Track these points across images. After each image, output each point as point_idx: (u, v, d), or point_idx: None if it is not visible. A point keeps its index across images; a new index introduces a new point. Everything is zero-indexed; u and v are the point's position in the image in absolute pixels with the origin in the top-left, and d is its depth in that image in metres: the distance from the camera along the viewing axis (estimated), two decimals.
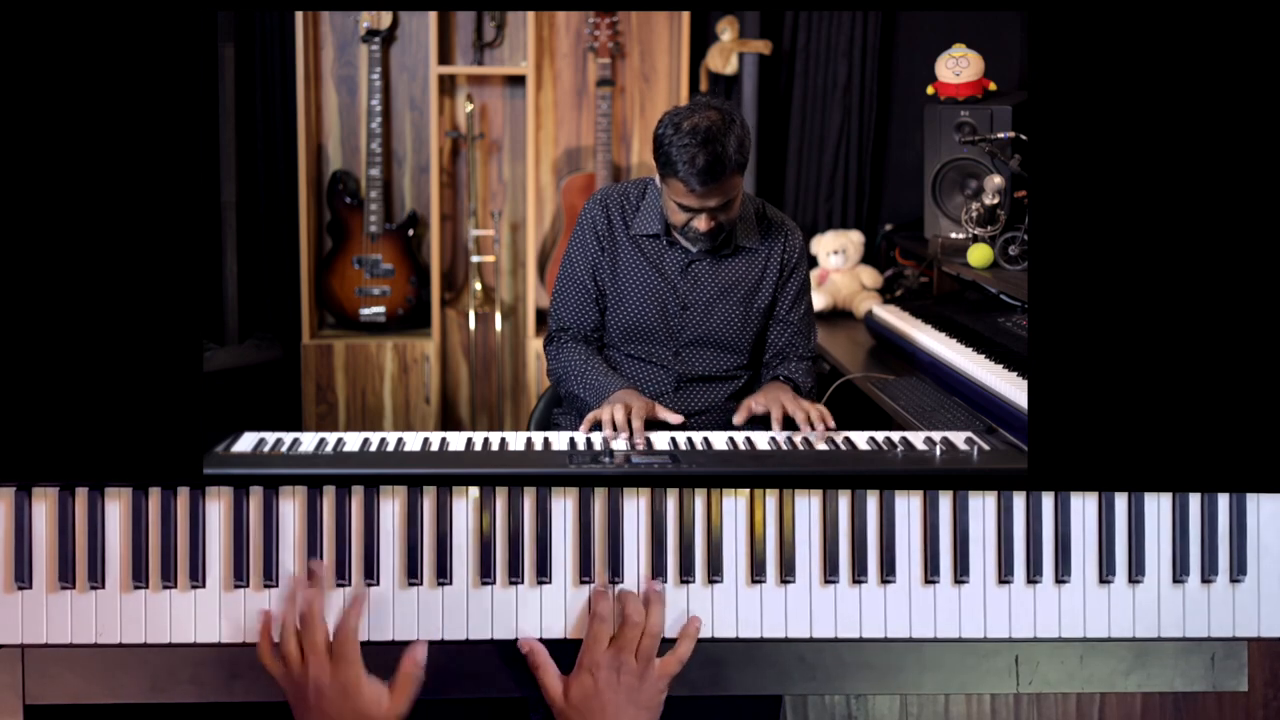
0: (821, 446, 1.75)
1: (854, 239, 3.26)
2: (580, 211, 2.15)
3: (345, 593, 1.45)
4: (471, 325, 3.50)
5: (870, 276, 3.23)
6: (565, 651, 1.45)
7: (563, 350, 2.13)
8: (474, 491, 1.48)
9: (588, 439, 1.78)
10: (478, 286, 3.49)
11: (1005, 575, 1.47)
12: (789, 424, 1.84)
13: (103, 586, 1.45)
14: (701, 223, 1.97)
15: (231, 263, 3.29)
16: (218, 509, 1.46)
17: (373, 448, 1.67)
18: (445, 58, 3.42)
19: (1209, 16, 1.41)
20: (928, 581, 1.48)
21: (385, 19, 3.37)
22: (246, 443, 1.67)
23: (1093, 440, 1.42)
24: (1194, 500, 1.49)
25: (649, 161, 3.49)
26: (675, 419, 1.88)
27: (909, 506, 1.49)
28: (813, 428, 1.81)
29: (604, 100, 3.37)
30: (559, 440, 1.76)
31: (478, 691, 1.48)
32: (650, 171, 3.46)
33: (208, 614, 1.45)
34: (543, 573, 1.47)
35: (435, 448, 1.69)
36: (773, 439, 1.79)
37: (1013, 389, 2.00)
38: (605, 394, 1.95)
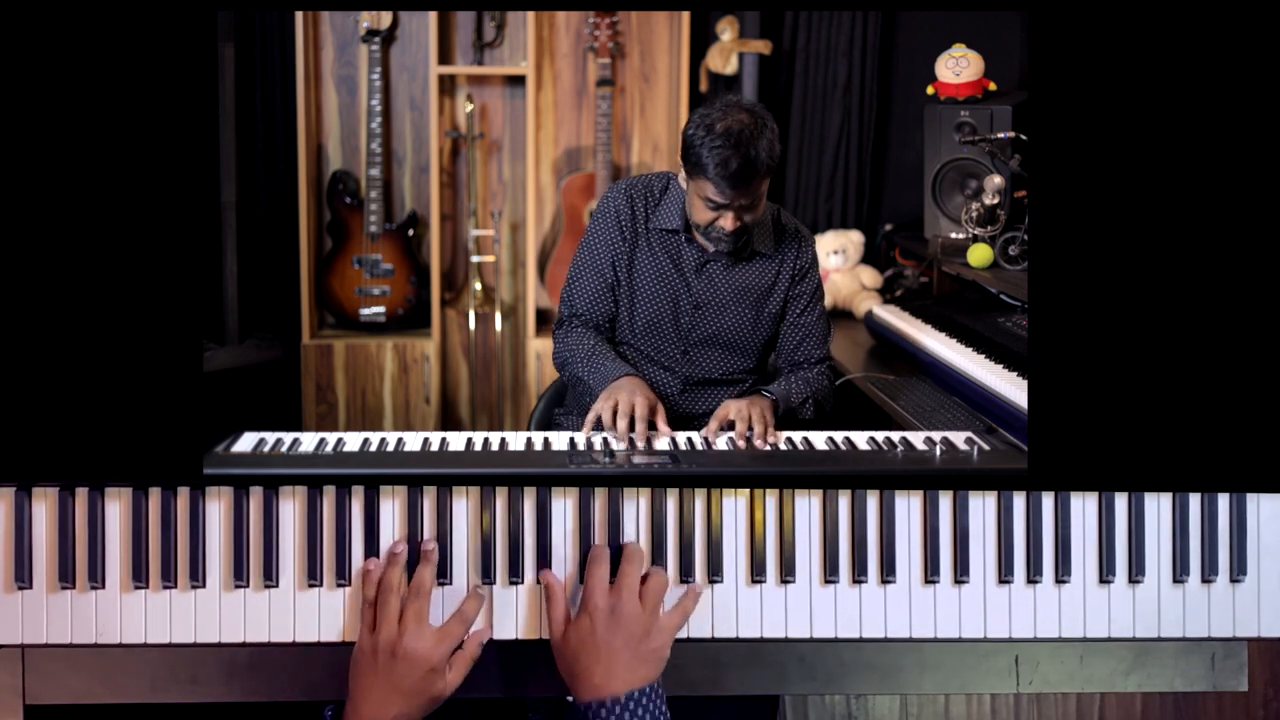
0: (822, 446, 1.75)
1: (854, 239, 3.26)
2: (602, 199, 2.13)
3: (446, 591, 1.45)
4: (471, 325, 3.50)
5: (870, 276, 3.23)
6: None
7: (572, 334, 2.11)
8: (474, 491, 1.48)
9: (588, 439, 1.78)
10: (478, 286, 3.49)
11: (1005, 575, 1.47)
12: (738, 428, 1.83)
13: (103, 586, 1.45)
14: (728, 221, 1.96)
15: (231, 263, 3.29)
16: (218, 509, 1.46)
17: (373, 448, 1.67)
18: (445, 58, 3.42)
19: (1209, 16, 1.41)
20: (928, 581, 1.48)
21: (385, 19, 3.37)
22: (246, 443, 1.67)
23: (1093, 440, 1.42)
24: (1194, 500, 1.49)
25: (649, 161, 3.51)
26: (667, 434, 1.84)
27: (909, 506, 1.49)
28: (750, 436, 1.79)
29: (604, 100, 3.38)
30: (559, 440, 1.76)
31: (477, 691, 1.48)
32: (648, 170, 3.47)
33: (208, 614, 1.45)
34: None
35: (435, 448, 1.69)
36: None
37: (1013, 389, 2.00)
38: (610, 379, 1.93)
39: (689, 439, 1.80)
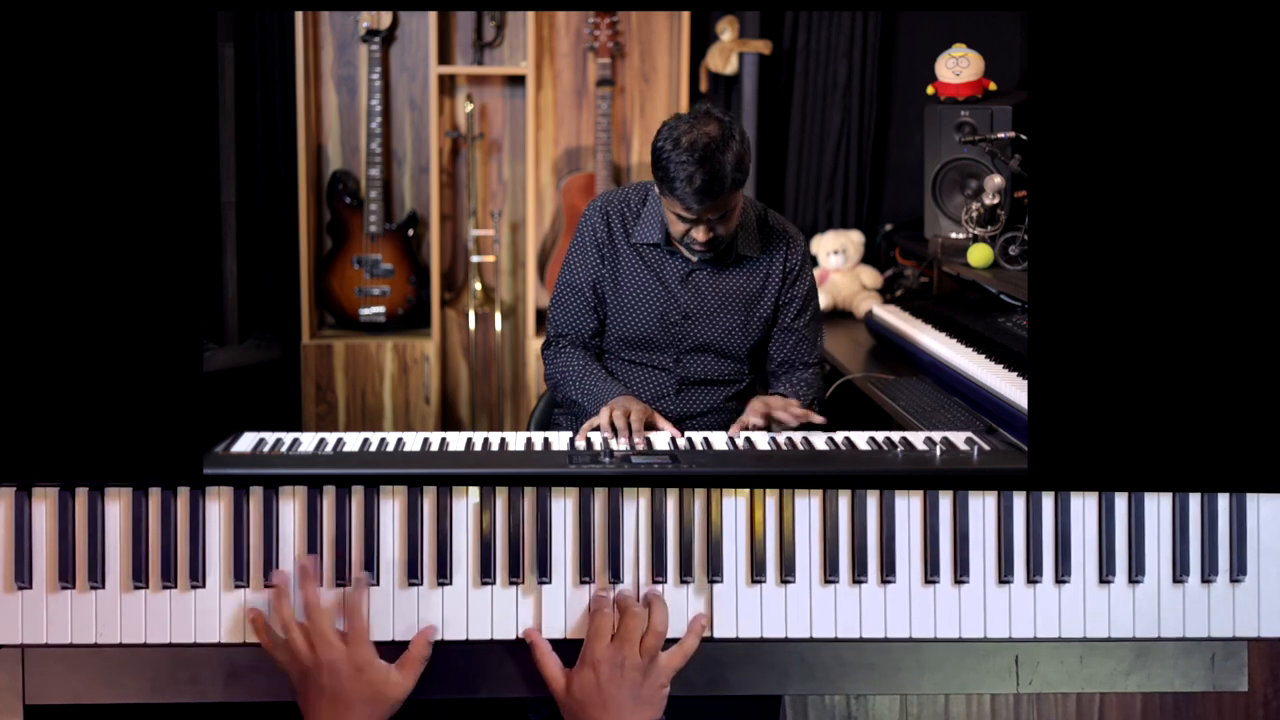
0: (822, 446, 1.75)
1: (854, 239, 3.26)
2: (581, 218, 2.14)
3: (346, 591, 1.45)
4: (471, 325, 3.50)
5: (870, 276, 3.23)
6: (565, 652, 1.45)
7: (560, 355, 2.12)
8: (474, 491, 1.48)
9: (588, 439, 1.78)
10: (478, 286, 3.49)
11: (1005, 575, 1.47)
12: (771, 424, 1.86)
13: (103, 586, 1.45)
14: (699, 233, 1.96)
15: (231, 263, 3.29)
16: (218, 509, 1.46)
17: (373, 448, 1.67)
18: (445, 58, 3.42)
19: (1209, 16, 1.41)
20: (928, 581, 1.48)
21: (385, 19, 3.37)
22: (246, 443, 1.67)
23: (1093, 440, 1.42)
24: (1194, 500, 1.49)
25: (649, 161, 3.50)
26: (671, 430, 1.87)
27: (909, 506, 1.49)
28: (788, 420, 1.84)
29: (604, 100, 3.38)
30: (559, 440, 1.77)
31: (478, 691, 1.48)
32: (649, 171, 3.47)
33: (208, 614, 1.45)
34: (543, 573, 1.47)
35: (435, 448, 1.69)
36: (772, 439, 1.79)
37: (1013, 389, 2.00)
38: (603, 400, 1.94)
39: (689, 439, 1.80)
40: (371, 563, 1.46)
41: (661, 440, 1.79)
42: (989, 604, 1.48)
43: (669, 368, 2.10)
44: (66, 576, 1.45)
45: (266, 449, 1.65)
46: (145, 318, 1.39)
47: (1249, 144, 1.41)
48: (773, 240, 2.10)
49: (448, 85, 3.45)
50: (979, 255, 2.61)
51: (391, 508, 1.47)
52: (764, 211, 2.13)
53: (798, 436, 1.80)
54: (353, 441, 1.69)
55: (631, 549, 1.47)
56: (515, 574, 1.46)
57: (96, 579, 1.45)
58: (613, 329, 2.11)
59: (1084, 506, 1.49)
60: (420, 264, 3.47)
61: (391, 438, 1.71)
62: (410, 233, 3.45)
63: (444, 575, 1.46)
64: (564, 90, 3.46)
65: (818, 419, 1.86)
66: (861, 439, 1.76)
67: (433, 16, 3.34)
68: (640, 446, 1.75)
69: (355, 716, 1.37)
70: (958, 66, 2.83)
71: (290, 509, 1.47)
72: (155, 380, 1.39)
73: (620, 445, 1.76)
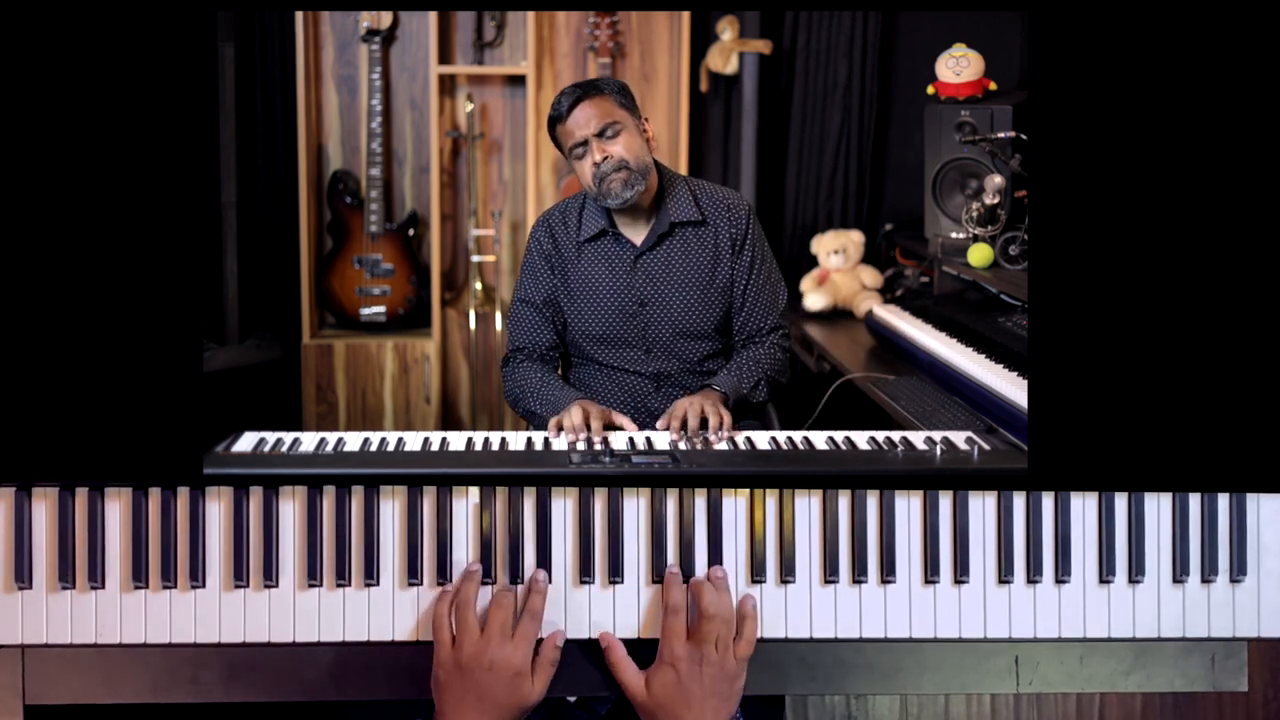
0: (822, 446, 1.75)
1: (854, 239, 3.26)
2: (528, 238, 2.16)
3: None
4: (472, 325, 3.50)
5: (870, 276, 3.23)
6: (567, 653, 1.45)
7: (517, 370, 2.11)
8: (474, 491, 1.48)
9: (589, 439, 1.78)
10: (478, 286, 3.49)
11: (1005, 575, 1.47)
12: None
13: (103, 586, 1.45)
14: (595, 153, 1.98)
15: (231, 263, 3.29)
16: (218, 509, 1.46)
17: (373, 448, 1.67)
18: (445, 58, 3.42)
19: (1209, 16, 1.41)
20: (928, 581, 1.48)
21: (385, 19, 3.37)
22: (246, 443, 1.67)
23: (1093, 440, 1.42)
24: (1194, 500, 1.49)
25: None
26: (631, 427, 1.86)
27: (909, 506, 1.49)
28: (709, 432, 1.80)
29: None
30: (559, 440, 1.76)
31: None
32: None
33: (208, 614, 1.45)
34: None
35: (435, 448, 1.69)
36: (773, 439, 1.79)
37: (1013, 389, 2.00)
38: (560, 407, 1.92)
39: (689, 439, 1.80)
40: (371, 563, 1.46)
41: (662, 440, 1.79)
42: (989, 604, 1.48)
43: (641, 368, 2.10)
44: (66, 576, 1.45)
45: (266, 449, 1.65)
46: (146, 318, 1.39)
47: (1249, 144, 1.41)
48: (713, 209, 2.10)
49: (448, 85, 3.45)
50: (979, 255, 2.60)
51: (391, 508, 1.47)
52: (697, 183, 2.14)
53: (798, 436, 1.80)
54: (353, 441, 1.69)
55: (632, 549, 1.47)
56: (516, 574, 1.46)
57: (96, 579, 1.45)
58: (576, 329, 2.11)
59: (1084, 506, 1.49)
60: (421, 264, 3.47)
61: (391, 438, 1.71)
62: (411, 232, 3.45)
63: (444, 575, 1.46)
64: None
65: (730, 438, 1.81)
66: (861, 439, 1.76)
67: (433, 16, 3.34)
68: (631, 446, 1.75)
69: (492, 716, 1.38)
70: (958, 66, 2.83)
71: (290, 509, 1.47)
72: (155, 380, 1.40)
73: (621, 444, 1.75)
